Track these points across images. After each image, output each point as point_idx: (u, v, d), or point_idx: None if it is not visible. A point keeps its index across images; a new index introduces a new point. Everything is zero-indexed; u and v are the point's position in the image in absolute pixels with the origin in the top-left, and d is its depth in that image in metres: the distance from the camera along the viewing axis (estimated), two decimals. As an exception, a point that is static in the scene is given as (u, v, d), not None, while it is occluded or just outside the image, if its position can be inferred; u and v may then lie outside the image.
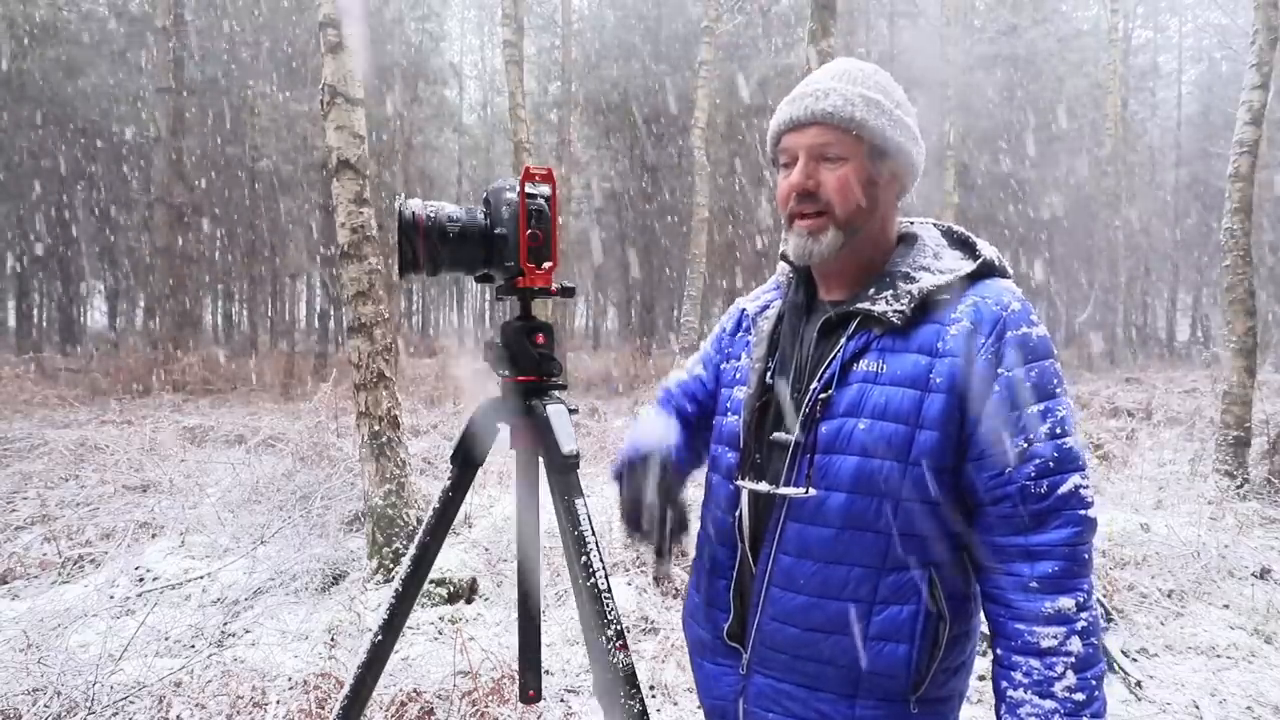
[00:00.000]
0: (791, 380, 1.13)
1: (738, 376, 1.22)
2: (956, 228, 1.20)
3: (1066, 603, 0.98)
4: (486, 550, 4.26)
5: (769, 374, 1.16)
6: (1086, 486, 1.01)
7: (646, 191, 18.43)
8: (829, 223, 1.09)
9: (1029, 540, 1.00)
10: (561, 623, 3.40)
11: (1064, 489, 1.00)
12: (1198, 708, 2.85)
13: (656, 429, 1.20)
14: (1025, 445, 1.00)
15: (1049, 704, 0.97)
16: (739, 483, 1.13)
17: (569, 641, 3.25)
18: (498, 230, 1.20)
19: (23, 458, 6.17)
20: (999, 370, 1.02)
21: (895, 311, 1.06)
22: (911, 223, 1.22)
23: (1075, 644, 0.98)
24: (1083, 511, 1.00)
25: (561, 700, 2.81)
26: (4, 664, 2.68)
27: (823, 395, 1.07)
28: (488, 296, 25.87)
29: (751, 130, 16.51)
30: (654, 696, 2.85)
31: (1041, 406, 1.01)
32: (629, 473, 1.15)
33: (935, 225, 1.22)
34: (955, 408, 1.02)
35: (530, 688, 1.40)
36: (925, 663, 1.05)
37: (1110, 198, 17.32)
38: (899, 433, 1.02)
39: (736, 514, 1.14)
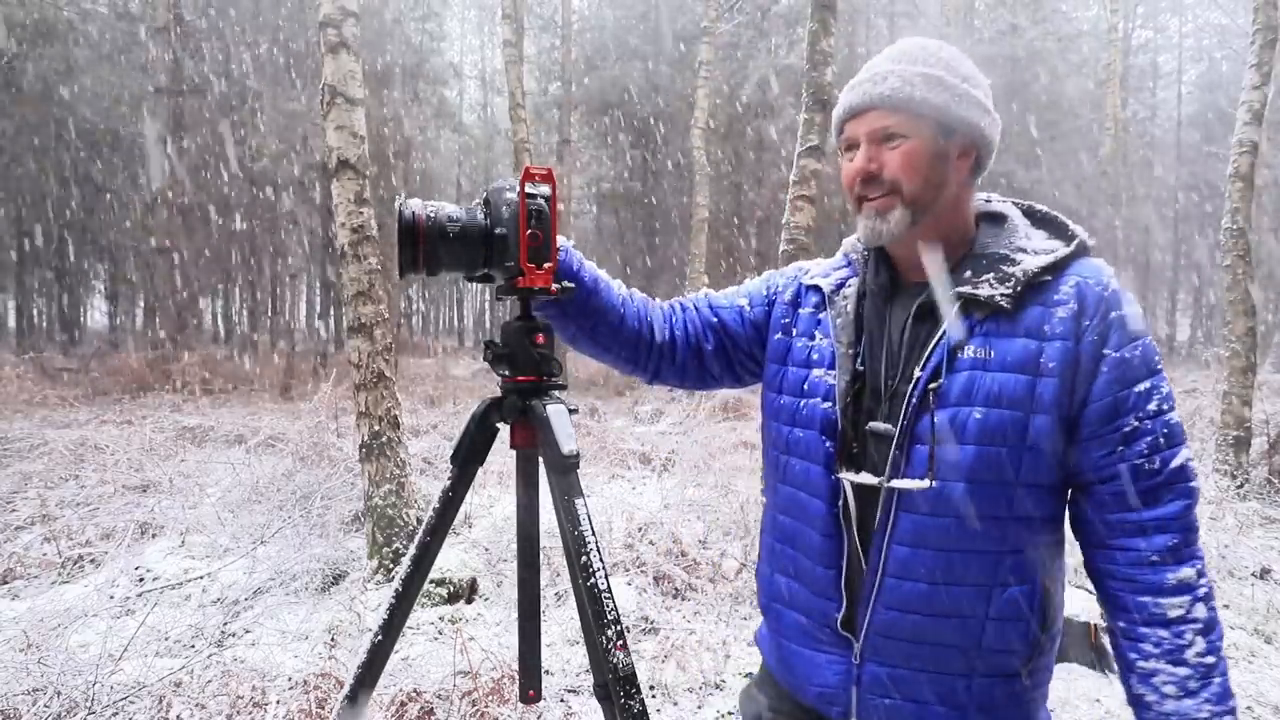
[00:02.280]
0: (885, 367, 1.12)
1: (815, 357, 1.19)
2: (1038, 206, 1.19)
3: (1188, 572, 1.01)
4: (486, 550, 4.26)
5: (858, 360, 1.14)
6: (1192, 459, 1.05)
7: (646, 191, 18.42)
8: (896, 201, 1.08)
9: (1143, 516, 1.02)
10: (561, 623, 3.40)
11: (1175, 463, 1.02)
12: (1198, 708, 2.84)
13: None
14: (1136, 424, 1.02)
15: (1183, 670, 1.00)
16: (842, 475, 1.12)
17: (569, 641, 3.25)
18: (498, 230, 1.19)
19: (23, 458, 6.17)
20: (1105, 351, 1.03)
21: (1003, 295, 1.05)
22: (989, 200, 1.20)
23: (1200, 610, 1.00)
24: (1192, 484, 1.03)
25: (561, 700, 2.81)
26: (4, 664, 2.68)
27: (932, 385, 1.05)
28: (488, 296, 25.87)
29: (751, 131, 16.51)
30: (654, 696, 2.85)
31: (1148, 384, 1.03)
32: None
33: (1015, 204, 1.21)
34: (1066, 390, 1.03)
35: (530, 688, 1.40)
36: (1039, 635, 1.07)
37: (1110, 198, 17.32)
38: (1015, 419, 1.02)
39: (840, 505, 1.13)
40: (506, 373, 1.26)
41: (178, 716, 2.51)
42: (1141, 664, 1.03)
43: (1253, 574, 4.08)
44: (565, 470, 1.18)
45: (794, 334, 1.25)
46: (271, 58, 13.95)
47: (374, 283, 3.98)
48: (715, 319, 1.34)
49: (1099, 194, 17.76)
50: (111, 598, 3.65)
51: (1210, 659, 1.00)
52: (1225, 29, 21.40)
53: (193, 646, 3.21)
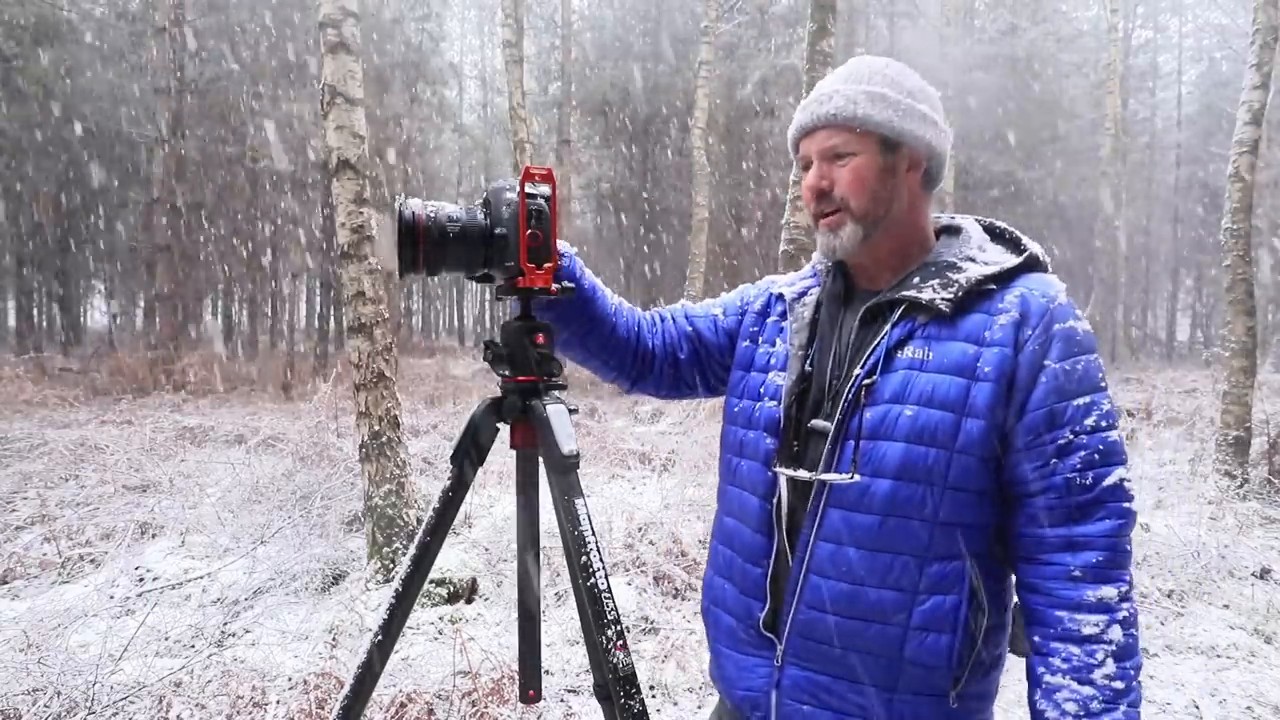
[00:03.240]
0: (830, 367, 1.15)
1: (773, 362, 1.23)
2: (999, 223, 1.22)
3: (1109, 592, 1.00)
4: (486, 550, 4.26)
5: (808, 361, 1.17)
6: (1129, 480, 1.03)
7: (646, 191, 18.42)
8: (846, 217, 1.12)
9: (1072, 531, 1.02)
10: (561, 623, 3.40)
11: (1109, 481, 1.02)
12: (1198, 708, 2.85)
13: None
14: (1071, 437, 1.02)
15: (1087, 690, 0.98)
16: (778, 469, 1.14)
17: (569, 641, 3.25)
18: (498, 230, 1.19)
19: (23, 458, 6.17)
20: (1045, 362, 1.03)
21: (943, 299, 1.07)
22: (953, 217, 1.24)
23: (1116, 632, 0.99)
24: (1126, 504, 1.02)
25: (561, 700, 2.81)
26: (4, 664, 2.68)
27: (867, 381, 1.08)
28: (488, 296, 25.87)
29: (751, 132, 16.51)
30: (654, 696, 2.85)
31: (1087, 399, 1.03)
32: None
33: (978, 220, 1.24)
34: (1002, 397, 1.03)
35: (530, 688, 1.40)
36: (966, 654, 1.05)
37: (1110, 198, 17.32)
38: (946, 420, 1.03)
39: (775, 501, 1.15)
40: (506, 373, 1.26)
41: (178, 716, 2.51)
42: (1048, 679, 1.01)
43: (1253, 574, 4.08)
44: (565, 470, 1.18)
45: (759, 341, 1.28)
46: (273, 57, 13.94)
47: (374, 283, 3.98)
48: (690, 328, 1.38)
49: (1099, 194, 17.76)
50: (111, 598, 3.65)
51: (1119, 684, 0.97)
52: (1225, 29, 21.37)
53: (193, 646, 3.21)
